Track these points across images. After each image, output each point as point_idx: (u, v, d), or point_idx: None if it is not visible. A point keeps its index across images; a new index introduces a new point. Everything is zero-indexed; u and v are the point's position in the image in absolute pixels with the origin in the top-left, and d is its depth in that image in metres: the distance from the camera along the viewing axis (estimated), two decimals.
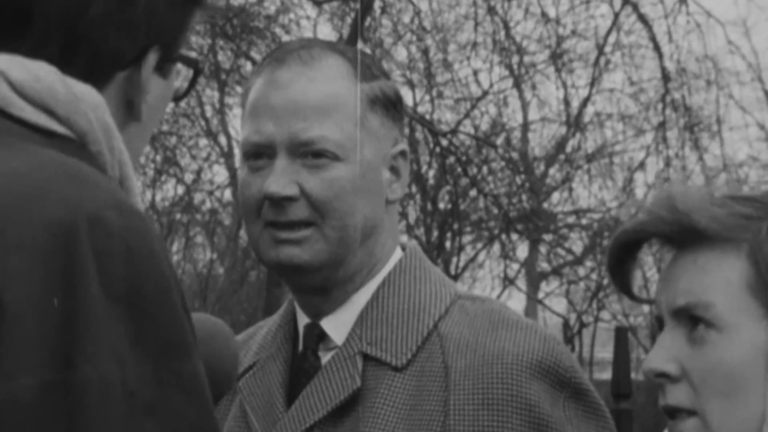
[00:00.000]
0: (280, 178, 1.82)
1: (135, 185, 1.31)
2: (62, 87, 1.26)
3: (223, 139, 16.12)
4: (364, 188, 1.85)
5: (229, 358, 1.60)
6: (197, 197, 16.06)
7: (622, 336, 3.73)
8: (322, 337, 1.90)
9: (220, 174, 16.25)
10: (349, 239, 1.85)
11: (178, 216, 15.98)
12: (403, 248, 1.96)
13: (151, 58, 1.34)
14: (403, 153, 1.93)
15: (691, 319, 1.52)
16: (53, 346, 1.10)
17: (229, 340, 1.61)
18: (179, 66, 1.43)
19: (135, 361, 1.12)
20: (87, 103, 1.27)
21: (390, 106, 1.91)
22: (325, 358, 1.89)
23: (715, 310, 1.50)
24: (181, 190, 15.70)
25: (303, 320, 1.93)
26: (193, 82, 1.45)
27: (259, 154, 1.86)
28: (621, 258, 1.61)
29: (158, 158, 14.98)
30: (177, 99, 1.46)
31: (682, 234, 1.54)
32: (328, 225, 1.83)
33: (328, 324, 1.89)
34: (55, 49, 1.29)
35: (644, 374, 1.53)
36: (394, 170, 1.91)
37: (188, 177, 15.64)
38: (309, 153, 1.83)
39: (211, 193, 16.15)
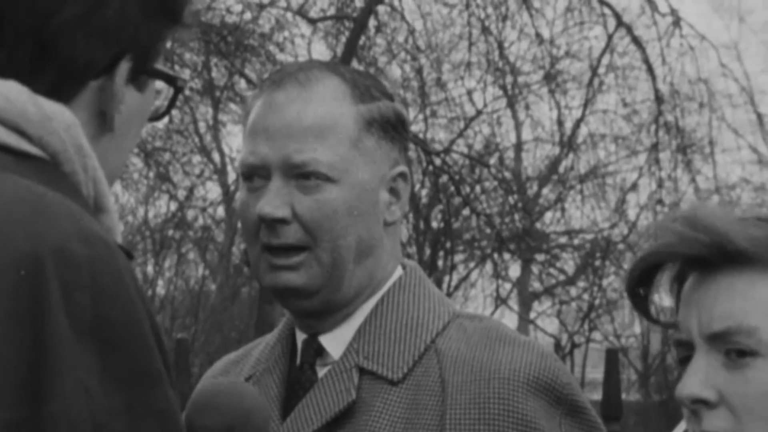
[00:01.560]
0: (273, 200, 1.84)
1: (111, 203, 1.30)
2: (33, 107, 1.24)
3: (216, 156, 16.12)
4: (358, 210, 1.85)
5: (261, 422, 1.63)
6: (190, 214, 16.06)
7: (612, 358, 3.73)
8: (320, 351, 1.90)
9: (213, 191, 16.25)
10: (343, 260, 1.85)
11: (170, 232, 15.97)
12: (404, 267, 1.96)
13: (124, 68, 1.33)
14: (402, 175, 1.93)
15: (729, 343, 1.47)
16: (20, 382, 1.09)
17: (261, 412, 1.64)
18: (161, 85, 1.42)
19: (104, 393, 1.11)
20: (59, 122, 1.25)
21: (388, 127, 1.91)
22: (322, 372, 1.89)
23: (760, 335, 1.45)
24: (173, 206, 15.72)
25: (301, 335, 1.93)
26: (173, 100, 1.43)
27: (256, 175, 1.87)
28: (642, 279, 1.56)
29: (151, 174, 14.99)
30: (157, 118, 1.45)
31: (717, 256, 1.49)
32: (321, 247, 1.84)
33: (326, 339, 1.90)
34: (25, 56, 1.27)
35: (678, 400, 1.48)
36: (393, 192, 1.92)
37: (181, 193, 15.65)
38: (302, 175, 1.84)
39: (203, 209, 16.14)
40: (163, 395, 1.15)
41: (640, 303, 1.58)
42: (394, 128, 1.92)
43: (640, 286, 1.56)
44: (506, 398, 1.79)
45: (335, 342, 1.89)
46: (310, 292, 1.85)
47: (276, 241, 1.84)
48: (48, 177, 1.22)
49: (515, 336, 1.87)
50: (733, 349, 1.47)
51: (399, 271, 1.95)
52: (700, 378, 1.47)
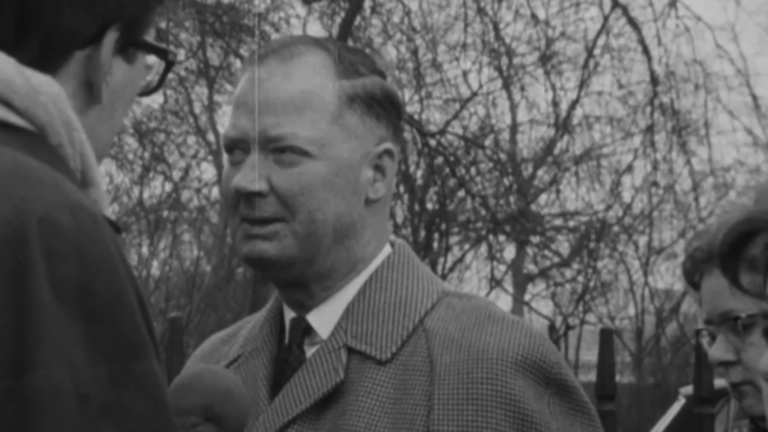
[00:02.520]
0: (249, 173, 1.84)
1: (98, 177, 1.29)
2: (20, 78, 1.23)
3: (211, 137, 16.09)
4: (336, 185, 1.85)
5: (241, 410, 1.62)
6: (185, 194, 16.05)
7: (606, 337, 3.73)
8: (308, 331, 1.90)
9: (208, 171, 16.23)
10: (319, 235, 1.85)
11: (165, 213, 15.96)
12: (392, 245, 1.96)
13: (111, 38, 1.31)
14: (388, 152, 1.92)
15: None
16: (3, 352, 1.08)
17: (241, 393, 1.64)
18: (154, 61, 1.41)
19: (88, 363, 1.10)
20: (46, 94, 1.24)
21: (374, 104, 1.90)
22: (310, 351, 1.89)
23: None
24: (168, 187, 15.69)
25: (289, 314, 1.93)
26: (164, 75, 1.41)
27: (236, 148, 1.88)
28: (736, 245, 1.50)
29: (146, 155, 14.95)
30: (148, 92, 1.44)
31: None
32: (297, 220, 1.84)
33: (314, 318, 1.90)
34: (9, 26, 1.26)
35: (763, 373, 1.44)
36: (378, 169, 1.91)
37: (176, 174, 15.63)
38: (279, 149, 1.85)
39: (198, 190, 16.14)
40: (149, 366, 1.14)
41: (731, 269, 1.52)
42: (380, 105, 1.91)
43: (733, 251, 1.50)
44: (494, 378, 1.79)
45: (323, 321, 1.89)
46: (283, 263, 1.85)
47: (253, 213, 1.85)
48: (35, 149, 1.21)
49: (504, 315, 1.87)
50: None
51: (387, 250, 1.94)
52: None
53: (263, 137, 1.85)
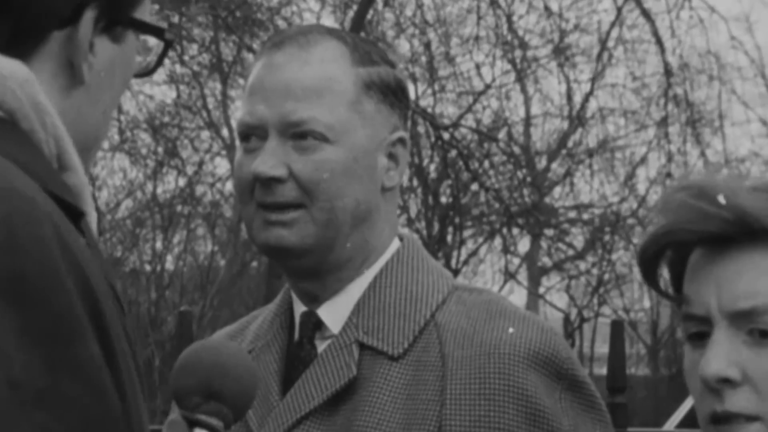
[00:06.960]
0: (269, 159, 1.83)
1: (75, 161, 1.26)
2: None
3: (225, 132, 16.12)
4: (355, 172, 1.85)
5: (245, 384, 1.60)
6: (199, 189, 16.07)
7: (618, 330, 3.73)
8: (319, 325, 1.89)
9: (222, 166, 16.24)
10: (339, 222, 1.84)
11: (179, 208, 15.98)
12: (401, 238, 1.96)
13: (89, 16, 1.28)
14: (401, 140, 1.92)
15: (754, 322, 1.42)
16: None
17: (243, 367, 1.61)
18: (156, 43, 1.37)
19: (21, 350, 1.07)
20: (14, 79, 1.22)
21: (388, 92, 1.91)
22: (321, 346, 1.88)
23: None
24: (182, 182, 15.71)
25: (299, 309, 1.92)
26: (163, 54, 1.38)
27: (252, 135, 1.87)
28: (658, 254, 1.51)
29: (160, 150, 14.98)
30: (146, 74, 1.41)
31: (737, 233, 1.44)
32: (317, 207, 1.83)
33: (324, 312, 1.89)
34: None
35: (702, 379, 1.43)
36: (392, 157, 1.91)
37: (190, 169, 15.65)
38: (299, 134, 1.84)
39: (212, 185, 16.15)
40: (85, 350, 1.11)
41: (652, 277, 1.52)
42: (393, 94, 1.92)
43: (654, 260, 1.51)
44: (506, 373, 1.78)
45: (334, 316, 1.88)
46: (303, 250, 1.84)
47: (270, 198, 1.84)
48: (7, 136, 1.20)
49: (515, 310, 1.87)
50: (758, 328, 1.43)
51: (396, 243, 1.94)
52: (723, 356, 1.43)
53: (282, 122, 1.84)
